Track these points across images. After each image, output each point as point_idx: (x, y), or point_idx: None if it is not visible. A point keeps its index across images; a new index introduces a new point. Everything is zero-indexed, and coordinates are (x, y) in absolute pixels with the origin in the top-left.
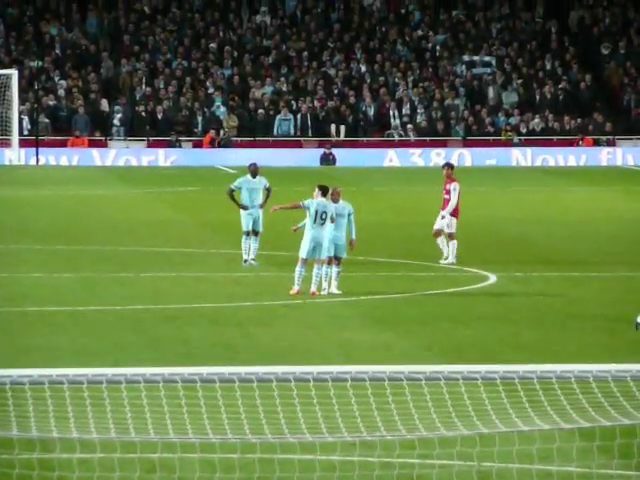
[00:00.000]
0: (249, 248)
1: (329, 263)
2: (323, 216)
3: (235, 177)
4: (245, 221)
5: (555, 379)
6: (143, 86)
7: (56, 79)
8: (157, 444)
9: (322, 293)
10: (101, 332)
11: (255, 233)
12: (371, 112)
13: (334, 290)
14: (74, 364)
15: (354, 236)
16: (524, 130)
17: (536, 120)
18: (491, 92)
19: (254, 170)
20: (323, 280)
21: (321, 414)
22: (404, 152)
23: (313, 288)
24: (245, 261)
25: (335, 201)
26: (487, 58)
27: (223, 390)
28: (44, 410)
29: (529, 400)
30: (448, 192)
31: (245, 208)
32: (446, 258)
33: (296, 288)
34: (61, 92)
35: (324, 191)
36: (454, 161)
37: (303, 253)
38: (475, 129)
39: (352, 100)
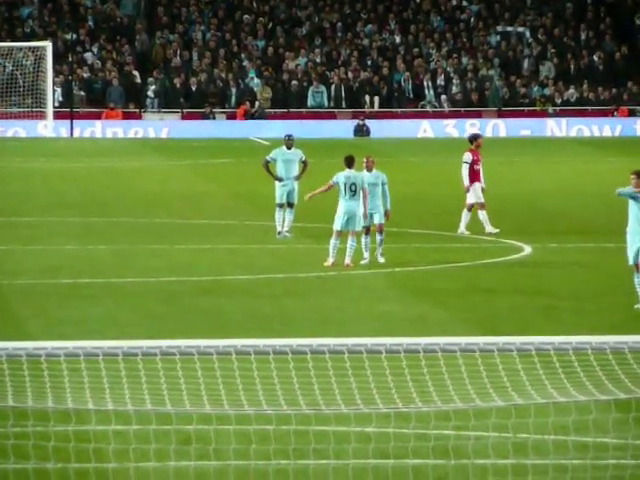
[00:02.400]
0: (283, 220)
1: (367, 233)
2: (352, 187)
3: (269, 149)
4: (280, 193)
5: (590, 350)
6: (177, 58)
7: (91, 51)
8: (192, 416)
9: (362, 262)
10: (135, 304)
11: (290, 205)
12: (405, 83)
13: (379, 258)
14: (109, 336)
15: (389, 206)
16: (559, 100)
17: (571, 90)
18: (525, 63)
19: (289, 142)
20: (363, 250)
21: (356, 386)
22: (438, 123)
23: (347, 260)
24: (279, 233)
25: (369, 170)
26: (521, 29)
27: (258, 362)
28: (79, 382)
29: (564, 371)
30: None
31: (280, 180)
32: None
33: (330, 260)
34: (95, 64)
35: (350, 162)
36: (489, 132)
37: (337, 225)
38: (509, 100)
39: (385, 71)
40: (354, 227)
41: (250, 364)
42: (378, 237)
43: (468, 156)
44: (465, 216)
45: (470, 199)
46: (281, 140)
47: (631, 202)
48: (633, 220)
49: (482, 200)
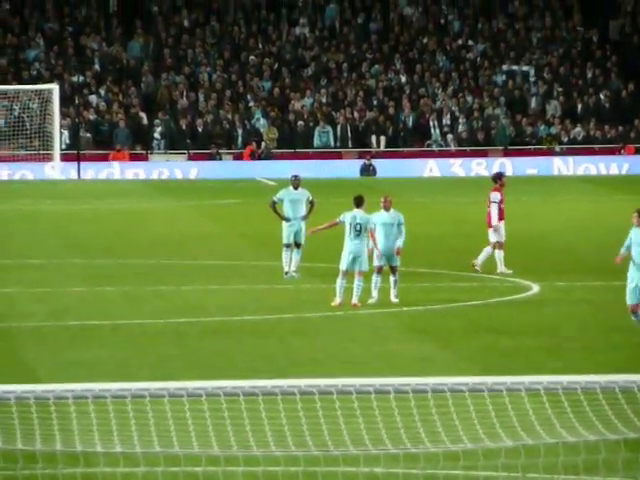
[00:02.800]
0: (290, 260)
1: (378, 272)
2: (358, 227)
3: (276, 189)
4: (287, 233)
5: (600, 389)
6: (183, 99)
7: (98, 93)
8: (201, 457)
9: (370, 301)
10: (143, 346)
11: (297, 245)
12: (411, 122)
13: (393, 299)
14: (117, 378)
15: (400, 243)
16: (565, 139)
17: (577, 129)
18: (532, 101)
19: (296, 182)
20: (372, 288)
21: (364, 426)
22: (444, 162)
23: (354, 300)
24: (286, 273)
25: (386, 209)
26: (527, 67)
27: (265, 403)
28: (88, 424)
29: (573, 411)
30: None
31: (287, 220)
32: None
33: (338, 300)
34: (102, 106)
35: (358, 202)
36: (495, 171)
37: (343, 265)
38: (516, 139)
39: (392, 111)
40: (360, 267)
41: (258, 405)
42: (392, 278)
43: (496, 195)
44: (499, 254)
45: (494, 237)
46: (288, 180)
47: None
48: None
49: (503, 240)
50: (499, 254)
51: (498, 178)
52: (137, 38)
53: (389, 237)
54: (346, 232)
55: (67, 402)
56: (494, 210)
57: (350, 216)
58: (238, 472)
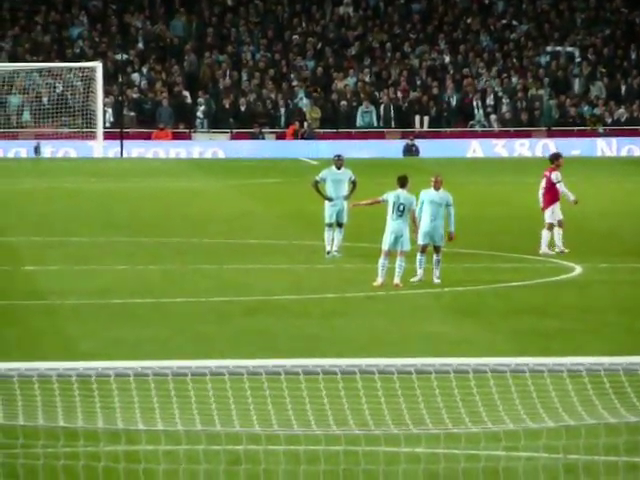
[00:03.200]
0: (332, 240)
1: (422, 251)
2: (400, 207)
3: (318, 169)
4: (329, 213)
5: None
6: (226, 78)
7: (141, 72)
8: (242, 436)
9: (412, 280)
10: (185, 324)
11: (339, 225)
12: (454, 103)
13: (435, 280)
14: (158, 356)
15: (452, 228)
16: (609, 120)
17: (621, 110)
18: (576, 82)
19: (339, 162)
20: (417, 267)
21: (405, 406)
22: (487, 143)
23: (396, 280)
24: (328, 252)
25: (436, 189)
26: (570, 48)
27: (307, 382)
28: (129, 402)
29: (615, 392)
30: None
31: (330, 200)
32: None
33: (380, 280)
34: (145, 85)
35: (402, 182)
36: (538, 152)
37: (385, 245)
38: (559, 119)
39: (435, 91)
40: (402, 247)
41: (299, 384)
42: (435, 257)
43: (558, 175)
44: (546, 235)
45: (549, 218)
46: (330, 160)
47: None
48: None
49: (555, 221)
50: (546, 234)
51: (556, 158)
52: (180, 17)
53: (436, 216)
54: (388, 212)
55: (109, 380)
56: (564, 189)
57: (393, 195)
58: (279, 451)
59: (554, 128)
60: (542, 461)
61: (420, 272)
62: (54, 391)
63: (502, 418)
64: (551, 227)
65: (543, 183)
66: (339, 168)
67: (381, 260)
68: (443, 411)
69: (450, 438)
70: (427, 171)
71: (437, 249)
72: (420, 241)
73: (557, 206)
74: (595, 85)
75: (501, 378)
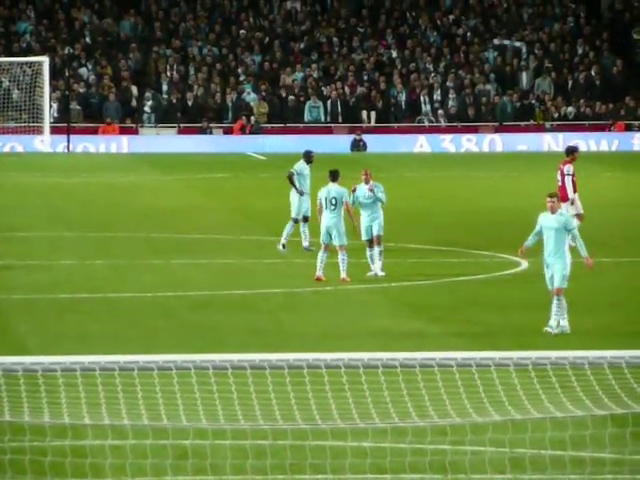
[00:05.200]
0: (306, 234)
1: (370, 246)
2: (333, 201)
3: (266, 164)
4: (305, 207)
5: (588, 365)
6: (174, 73)
7: (86, 67)
8: (189, 431)
9: (368, 274)
10: (133, 319)
11: (305, 219)
12: (402, 98)
13: (378, 272)
14: (106, 351)
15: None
16: (556, 115)
17: (569, 107)
18: (523, 77)
19: (311, 157)
20: (369, 262)
21: (352, 400)
22: (435, 138)
23: (342, 275)
24: (309, 247)
25: (366, 182)
26: (518, 43)
27: (254, 377)
28: (76, 397)
29: (561, 386)
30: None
31: (302, 194)
32: None
33: (317, 273)
34: (92, 79)
35: (333, 176)
36: (485, 147)
37: (322, 239)
38: (506, 115)
39: (382, 86)
40: (338, 241)
41: (246, 379)
42: (376, 249)
43: (570, 168)
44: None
45: (572, 210)
46: (276, 155)
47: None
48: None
49: (581, 211)
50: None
51: (572, 152)
52: (128, 14)
53: (372, 209)
54: (322, 206)
55: (55, 374)
56: (569, 183)
57: (325, 191)
58: (226, 445)
59: (505, 123)
60: (488, 455)
61: (373, 267)
62: (0, 386)
63: (449, 412)
64: (580, 218)
65: (558, 176)
66: (309, 163)
67: (320, 254)
68: (390, 405)
69: (397, 432)
70: (375, 166)
71: (378, 239)
72: (363, 237)
73: (576, 198)
74: (542, 80)
75: (448, 372)
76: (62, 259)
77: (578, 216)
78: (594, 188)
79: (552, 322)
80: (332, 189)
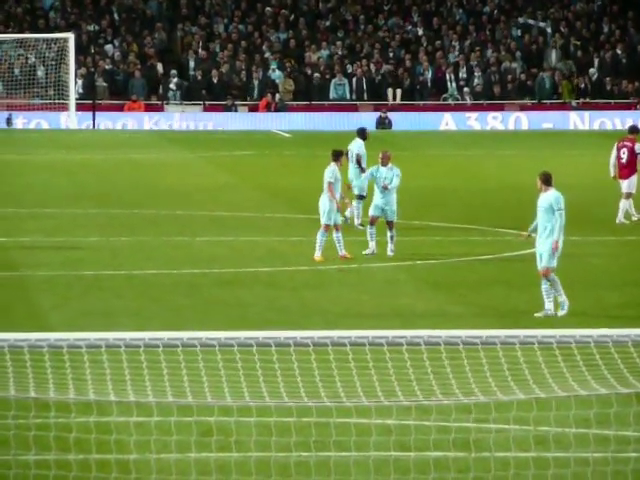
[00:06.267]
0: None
1: (372, 223)
2: (324, 183)
3: (291, 141)
4: (365, 184)
5: (612, 343)
6: (199, 50)
7: (113, 43)
8: (213, 408)
9: (364, 252)
10: (157, 296)
11: (362, 197)
12: (427, 76)
13: (389, 252)
14: (131, 328)
15: (389, 184)
16: (582, 94)
17: (594, 84)
18: (550, 56)
19: (364, 134)
20: (368, 239)
21: (377, 378)
22: (460, 116)
23: (339, 252)
24: (362, 225)
25: (384, 165)
26: (542, 24)
27: (279, 354)
28: (101, 374)
29: (586, 364)
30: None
31: (363, 171)
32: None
33: (317, 253)
34: (117, 56)
35: (335, 156)
36: (511, 125)
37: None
38: (532, 93)
39: (408, 64)
40: (332, 221)
41: (271, 356)
42: (388, 234)
43: (639, 146)
44: (624, 204)
45: (626, 188)
46: (302, 132)
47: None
48: None
49: (634, 191)
50: (624, 204)
51: (637, 130)
52: None
53: (386, 193)
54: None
55: (80, 351)
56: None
57: (325, 172)
58: (251, 422)
59: (527, 101)
60: (512, 433)
61: (372, 245)
62: (25, 362)
63: (473, 390)
64: (629, 196)
65: (620, 154)
66: (365, 140)
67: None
68: (414, 383)
69: (421, 410)
70: (399, 144)
71: (389, 224)
72: (370, 212)
73: (635, 177)
74: (568, 58)
75: (472, 350)
76: (87, 236)
77: (627, 194)
78: None
79: (547, 305)
80: (330, 170)
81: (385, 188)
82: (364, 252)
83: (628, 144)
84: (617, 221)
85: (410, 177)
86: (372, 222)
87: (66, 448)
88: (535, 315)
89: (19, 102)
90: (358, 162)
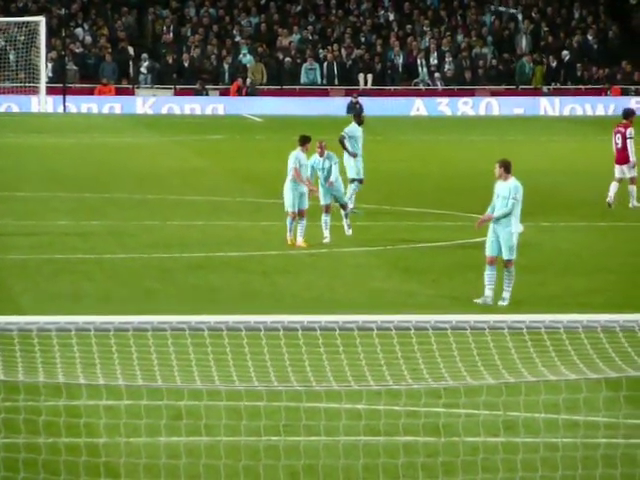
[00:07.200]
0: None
1: (326, 211)
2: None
3: (262, 126)
4: (358, 168)
5: (582, 329)
6: (170, 34)
7: (82, 27)
8: (183, 391)
9: (323, 241)
10: (128, 280)
11: (360, 181)
12: (399, 61)
13: (347, 231)
14: (101, 311)
15: (332, 178)
16: (552, 79)
17: (564, 70)
18: (520, 41)
19: (360, 118)
20: (323, 228)
21: (347, 362)
22: (431, 101)
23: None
24: (357, 209)
25: (321, 155)
26: (513, 10)
27: (249, 338)
28: (71, 357)
29: (555, 350)
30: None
31: (354, 155)
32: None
33: (289, 237)
34: (88, 40)
35: (301, 142)
36: (482, 110)
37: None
38: (502, 78)
39: (379, 49)
40: (296, 207)
41: (241, 340)
42: (343, 212)
43: (631, 131)
44: (632, 189)
45: (631, 173)
46: (273, 117)
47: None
48: None
49: (636, 175)
50: (632, 189)
51: (631, 115)
52: None
53: (325, 179)
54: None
55: (50, 334)
56: (632, 146)
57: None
58: (220, 406)
59: (497, 87)
60: (482, 417)
61: (326, 233)
62: None
63: (442, 375)
64: (633, 181)
65: (615, 139)
66: (360, 124)
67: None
68: (384, 368)
69: (391, 394)
70: (370, 129)
71: (343, 207)
72: (321, 201)
73: (633, 161)
74: (538, 44)
75: (442, 335)
76: (57, 219)
77: (632, 179)
78: (590, 152)
79: (488, 292)
80: (295, 155)
81: (331, 185)
82: (323, 241)
83: (621, 129)
84: (630, 206)
85: (381, 162)
86: (327, 210)
87: (35, 431)
88: (474, 301)
89: None
90: (341, 142)
